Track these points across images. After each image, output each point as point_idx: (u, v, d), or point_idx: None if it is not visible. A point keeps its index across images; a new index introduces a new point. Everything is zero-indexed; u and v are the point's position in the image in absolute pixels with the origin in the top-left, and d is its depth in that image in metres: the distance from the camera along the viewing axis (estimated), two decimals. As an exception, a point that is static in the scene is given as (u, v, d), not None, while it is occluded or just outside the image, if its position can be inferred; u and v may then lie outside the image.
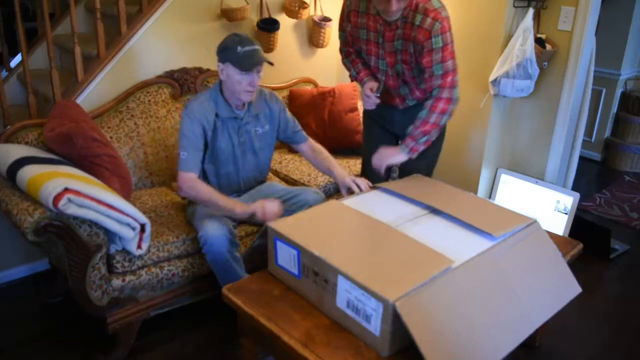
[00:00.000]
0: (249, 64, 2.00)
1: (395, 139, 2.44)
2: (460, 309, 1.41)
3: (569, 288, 1.76)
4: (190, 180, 2.06)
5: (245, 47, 2.00)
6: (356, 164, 2.91)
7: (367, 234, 1.67)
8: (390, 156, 2.13)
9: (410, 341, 1.30)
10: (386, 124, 2.40)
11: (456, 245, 1.62)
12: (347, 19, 2.21)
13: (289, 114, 2.33)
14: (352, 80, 2.41)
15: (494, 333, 1.44)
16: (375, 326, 1.37)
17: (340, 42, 2.36)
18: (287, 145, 2.64)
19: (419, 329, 1.29)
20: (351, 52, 2.32)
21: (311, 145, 2.36)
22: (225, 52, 2.02)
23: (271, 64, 2.09)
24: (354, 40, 2.24)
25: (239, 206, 2.06)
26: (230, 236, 2.03)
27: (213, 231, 2.00)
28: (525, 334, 1.51)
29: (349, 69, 2.36)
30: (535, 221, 1.81)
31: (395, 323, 1.32)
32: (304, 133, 2.36)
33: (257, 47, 2.04)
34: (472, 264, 1.52)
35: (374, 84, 2.22)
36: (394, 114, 2.34)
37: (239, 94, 2.07)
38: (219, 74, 2.08)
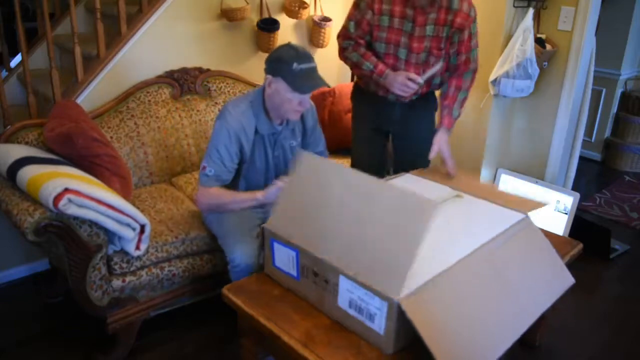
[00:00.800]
0: (305, 86, 1.84)
1: (386, 138, 2.40)
2: (460, 305, 1.43)
3: (563, 280, 1.77)
4: (209, 193, 1.94)
5: (302, 65, 1.82)
6: (356, 164, 2.91)
7: (359, 210, 1.56)
8: (446, 145, 2.17)
9: (412, 338, 1.31)
10: (382, 123, 2.34)
11: (452, 241, 1.63)
12: (367, 6, 2.10)
13: (319, 129, 2.21)
14: (368, 72, 2.19)
15: (494, 328, 1.45)
16: (379, 325, 1.38)
17: (347, 34, 2.20)
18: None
19: (424, 326, 1.30)
20: (361, 43, 2.18)
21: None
22: (279, 65, 1.84)
23: (328, 86, 1.94)
24: (371, 29, 2.13)
25: (258, 194, 1.91)
26: (257, 252, 1.95)
27: (246, 257, 1.90)
28: (524, 327, 1.53)
29: (359, 64, 2.18)
30: (527, 216, 1.83)
31: (400, 321, 1.33)
32: (326, 153, 2.26)
33: (315, 64, 1.87)
34: (469, 261, 1.54)
35: (409, 74, 2.09)
36: (395, 111, 2.29)
37: (285, 112, 1.92)
38: (266, 86, 1.91)
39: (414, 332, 1.29)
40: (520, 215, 1.82)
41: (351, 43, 2.21)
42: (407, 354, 1.39)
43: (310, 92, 1.89)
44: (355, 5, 2.17)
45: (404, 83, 2.08)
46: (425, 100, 2.31)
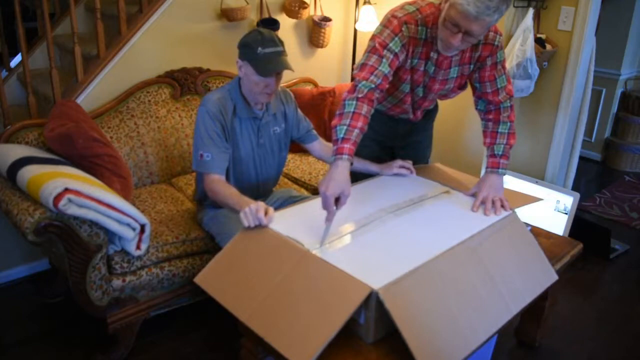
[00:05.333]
0: (267, 69, 1.88)
1: (390, 152, 2.31)
2: (440, 296, 1.45)
3: (546, 275, 1.79)
4: (212, 182, 1.93)
5: (265, 49, 1.87)
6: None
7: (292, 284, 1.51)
8: (498, 190, 1.91)
9: (392, 328, 1.34)
10: (386, 140, 2.26)
11: (437, 235, 1.66)
12: (404, 47, 1.82)
13: (300, 112, 2.23)
14: (334, 136, 1.73)
15: (474, 319, 1.47)
16: (359, 314, 1.41)
17: (371, 76, 1.77)
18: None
19: (402, 316, 1.33)
20: (381, 88, 1.79)
21: (323, 142, 2.26)
22: (245, 49, 1.91)
23: (292, 70, 1.95)
24: (397, 70, 1.89)
25: (244, 203, 1.75)
26: None
27: None
28: (504, 320, 1.55)
29: (341, 116, 1.74)
30: (513, 212, 1.85)
31: (379, 311, 1.36)
32: (315, 132, 2.27)
33: (280, 48, 1.92)
34: (452, 253, 1.56)
35: (347, 189, 1.64)
36: (401, 126, 2.21)
37: (255, 94, 1.96)
38: (238, 70, 1.98)
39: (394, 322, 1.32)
40: (506, 211, 1.85)
41: (368, 87, 1.75)
42: (387, 343, 1.43)
43: (273, 75, 1.92)
44: (384, 44, 1.79)
45: (327, 200, 1.60)
46: (429, 112, 2.27)
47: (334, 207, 1.62)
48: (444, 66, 1.91)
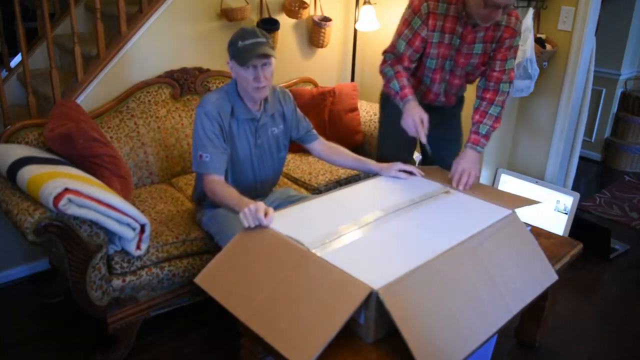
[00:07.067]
0: (246, 57, 1.88)
1: (409, 150, 2.40)
2: (440, 296, 1.45)
3: (546, 275, 1.79)
4: (212, 183, 1.94)
5: (245, 41, 1.88)
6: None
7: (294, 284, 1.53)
8: (475, 164, 2.09)
9: (392, 328, 1.34)
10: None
11: (437, 235, 1.66)
12: (423, 22, 2.05)
13: (300, 112, 2.23)
14: (391, 95, 2.13)
15: (474, 319, 1.47)
16: (359, 314, 1.41)
17: (395, 51, 2.14)
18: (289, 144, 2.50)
19: (402, 317, 1.33)
20: (401, 63, 2.12)
21: (324, 142, 2.27)
22: (230, 48, 1.94)
23: (270, 55, 1.92)
24: (423, 47, 2.11)
25: (244, 206, 1.73)
26: None
27: None
28: (504, 320, 1.55)
29: (389, 80, 2.13)
30: (513, 212, 1.85)
31: (379, 310, 1.37)
32: (315, 132, 2.27)
33: (261, 39, 1.90)
34: (452, 253, 1.56)
35: (424, 114, 2.05)
36: (432, 116, 2.18)
37: (249, 91, 1.95)
38: (230, 71, 1.99)
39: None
40: (506, 211, 1.85)
41: (391, 56, 2.15)
42: (387, 343, 1.43)
43: (258, 62, 1.89)
44: (406, 23, 2.10)
45: (415, 124, 2.02)
46: (459, 102, 2.40)
47: (421, 129, 2.00)
48: (468, 40, 2.08)
